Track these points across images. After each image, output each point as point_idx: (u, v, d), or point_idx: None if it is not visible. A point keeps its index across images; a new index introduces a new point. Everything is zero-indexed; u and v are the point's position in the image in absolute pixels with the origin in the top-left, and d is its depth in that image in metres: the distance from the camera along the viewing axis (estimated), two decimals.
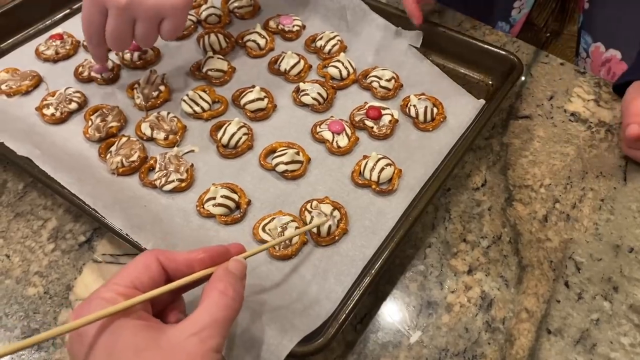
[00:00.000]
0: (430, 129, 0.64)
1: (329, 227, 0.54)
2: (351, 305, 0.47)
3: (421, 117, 0.64)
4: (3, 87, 0.66)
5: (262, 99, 0.64)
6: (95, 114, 0.63)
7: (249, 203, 0.57)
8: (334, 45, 0.71)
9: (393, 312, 0.52)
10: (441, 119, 0.64)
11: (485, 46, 0.69)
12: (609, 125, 0.67)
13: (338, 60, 0.68)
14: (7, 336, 0.50)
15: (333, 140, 0.62)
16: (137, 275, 0.38)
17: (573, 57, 0.96)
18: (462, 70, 0.71)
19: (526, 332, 0.51)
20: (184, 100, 0.65)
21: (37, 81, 0.68)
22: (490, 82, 0.70)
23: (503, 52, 0.68)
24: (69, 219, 0.58)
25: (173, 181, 0.57)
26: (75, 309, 0.37)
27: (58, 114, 0.64)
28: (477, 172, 0.63)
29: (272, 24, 0.76)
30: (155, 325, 0.36)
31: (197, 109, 0.64)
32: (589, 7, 0.86)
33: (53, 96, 0.65)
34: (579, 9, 0.90)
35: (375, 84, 0.67)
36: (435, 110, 0.64)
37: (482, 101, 0.66)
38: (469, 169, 0.63)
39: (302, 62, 0.69)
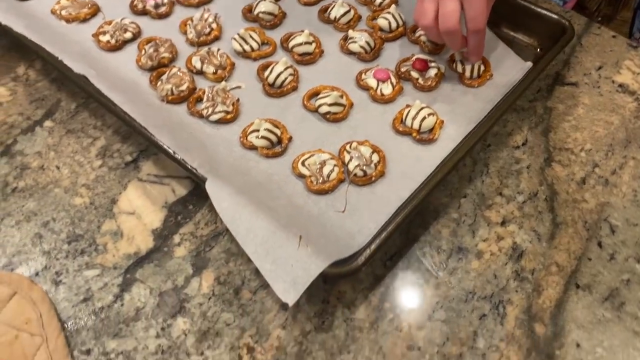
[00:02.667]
0: (476, 85, 0.64)
1: (364, 170, 0.54)
2: (383, 237, 0.48)
3: (467, 73, 0.64)
4: (63, 12, 0.69)
5: (310, 43, 0.65)
6: (149, 44, 0.65)
7: (290, 139, 0.58)
8: None
9: (423, 254, 0.53)
10: (487, 77, 0.64)
11: (538, 9, 0.68)
12: None
13: (388, 12, 0.68)
14: (54, 238, 0.53)
15: (377, 87, 0.62)
16: None
17: None
18: (512, 33, 0.71)
19: (554, 285, 0.51)
20: (235, 39, 0.66)
21: (95, 10, 0.70)
22: (539, 47, 0.69)
23: (555, 16, 0.67)
24: (117, 139, 0.61)
25: (220, 112, 0.59)
26: None
27: (113, 41, 0.66)
28: (518, 132, 0.63)
29: None
30: None
31: (247, 47, 0.66)
32: None
33: (109, 25, 0.67)
34: None
35: (423, 38, 0.67)
36: (482, 67, 0.64)
37: (530, 63, 0.65)
38: (510, 128, 0.63)
39: (352, 11, 0.70)
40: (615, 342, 0.48)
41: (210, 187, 0.51)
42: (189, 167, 0.52)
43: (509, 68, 0.65)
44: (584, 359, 0.47)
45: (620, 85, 0.68)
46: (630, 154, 0.61)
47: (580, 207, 0.57)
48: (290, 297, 0.45)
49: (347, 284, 0.51)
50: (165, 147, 0.54)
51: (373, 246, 0.48)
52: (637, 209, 0.57)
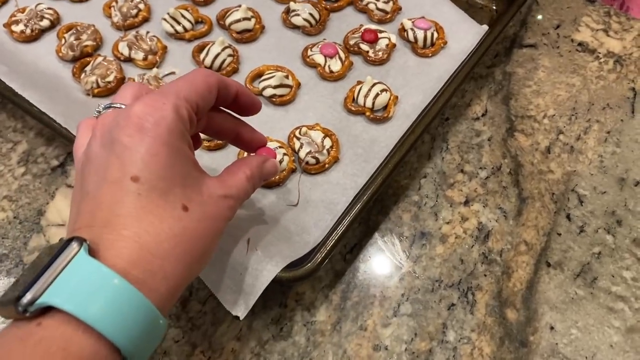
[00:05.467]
0: (430, 55, 0.59)
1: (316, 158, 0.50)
2: (340, 232, 0.44)
3: (420, 42, 0.59)
4: None
5: (248, 19, 0.60)
6: (69, 32, 0.58)
7: None
8: None
9: (384, 243, 0.49)
10: (441, 44, 0.60)
11: None
12: (618, 56, 0.63)
13: None
14: None
15: (325, 64, 0.57)
16: (202, 97, 0.34)
17: None
18: None
19: (524, 265, 0.48)
20: (165, 19, 0.60)
21: None
22: (494, 8, 0.65)
23: None
24: (41, 142, 0.54)
25: None
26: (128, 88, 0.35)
27: (28, 31, 0.59)
28: (477, 102, 0.59)
29: None
30: (198, 166, 0.34)
31: (179, 28, 0.59)
32: None
33: (23, 12, 0.60)
34: None
35: (372, 6, 0.62)
36: (435, 35, 0.60)
37: (485, 27, 0.61)
38: (469, 98, 0.59)
39: None
40: (590, 321, 0.45)
41: None
42: None
43: (464, 33, 0.61)
44: (559, 342, 0.44)
45: (580, 44, 0.65)
46: (593, 117, 0.58)
47: (546, 179, 0.54)
48: (241, 310, 0.40)
49: (306, 283, 0.47)
50: None
51: (331, 242, 0.44)
52: (603, 175, 0.54)
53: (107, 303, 0.26)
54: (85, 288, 0.26)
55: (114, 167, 0.30)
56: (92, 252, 0.27)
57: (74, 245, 0.27)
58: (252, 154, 0.43)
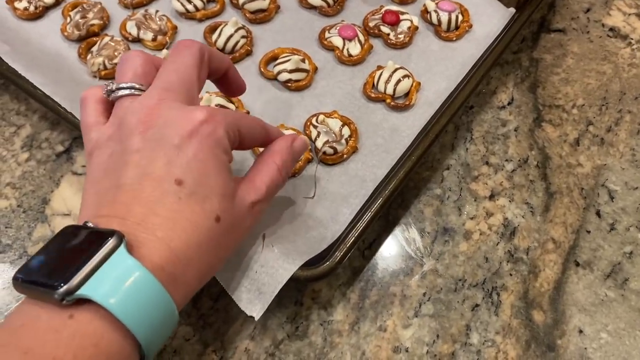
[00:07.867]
0: (454, 39, 0.56)
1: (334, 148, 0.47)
2: (360, 229, 0.42)
3: (444, 25, 0.56)
4: None
5: None
6: (75, 10, 0.56)
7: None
8: None
9: (405, 238, 0.47)
10: (466, 28, 0.57)
11: None
12: None
13: None
14: None
15: (343, 47, 0.54)
16: (192, 85, 0.35)
17: None
18: None
19: (552, 264, 0.46)
20: None
21: None
22: None
23: None
24: (46, 126, 0.52)
25: None
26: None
27: (32, 8, 0.56)
28: (503, 89, 0.56)
29: None
30: (232, 176, 0.35)
31: (190, 7, 0.56)
32: None
33: None
34: None
35: None
36: (460, 17, 0.57)
37: (512, 10, 0.58)
38: (494, 85, 0.56)
39: None
40: (621, 325, 0.43)
41: None
42: None
43: (490, 16, 0.58)
44: (588, 347, 0.42)
45: (611, 29, 0.61)
46: (625, 107, 0.55)
47: (575, 173, 0.51)
48: (256, 310, 0.38)
49: (323, 280, 0.45)
50: None
51: (350, 239, 0.42)
52: (636, 170, 0.51)
53: (142, 303, 0.27)
54: (124, 286, 0.26)
55: (159, 163, 0.31)
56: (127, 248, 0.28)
57: (113, 241, 0.27)
58: (277, 139, 0.41)
